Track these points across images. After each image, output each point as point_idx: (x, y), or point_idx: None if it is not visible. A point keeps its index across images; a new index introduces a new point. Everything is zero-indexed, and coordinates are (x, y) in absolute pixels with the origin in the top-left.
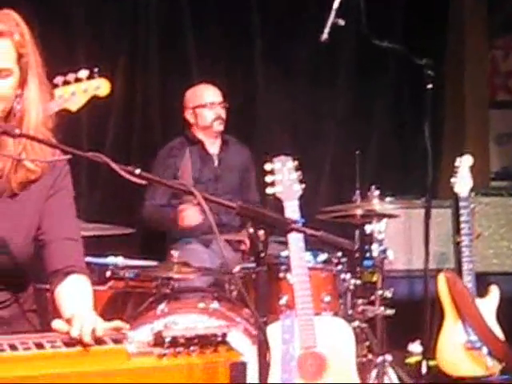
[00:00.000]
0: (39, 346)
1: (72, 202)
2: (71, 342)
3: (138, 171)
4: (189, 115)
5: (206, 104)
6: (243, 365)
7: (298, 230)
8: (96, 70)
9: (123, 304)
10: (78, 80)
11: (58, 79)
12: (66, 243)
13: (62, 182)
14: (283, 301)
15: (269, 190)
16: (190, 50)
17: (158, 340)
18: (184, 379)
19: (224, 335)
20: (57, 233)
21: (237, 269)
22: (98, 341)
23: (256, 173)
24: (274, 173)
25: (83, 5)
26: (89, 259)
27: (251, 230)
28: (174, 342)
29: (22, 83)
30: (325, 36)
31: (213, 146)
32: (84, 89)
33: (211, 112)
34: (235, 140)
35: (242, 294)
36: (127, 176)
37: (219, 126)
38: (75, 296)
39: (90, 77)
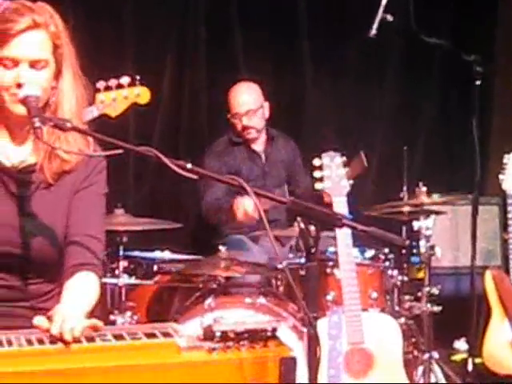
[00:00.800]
0: (90, 339)
1: (101, 199)
2: (121, 335)
3: (189, 165)
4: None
5: (233, 115)
6: (293, 360)
7: (349, 226)
8: (138, 77)
9: (169, 298)
10: (119, 86)
11: (100, 84)
12: (85, 239)
13: (95, 177)
14: (330, 296)
15: (317, 186)
16: (237, 47)
17: (208, 334)
18: (234, 374)
19: (274, 330)
20: (78, 228)
21: (284, 264)
22: (86, 337)
23: (302, 160)
24: (323, 168)
25: (132, 1)
26: (136, 253)
27: (302, 226)
28: (224, 337)
29: (57, 75)
30: (373, 31)
31: (258, 144)
32: (125, 95)
33: (238, 124)
34: (279, 133)
35: (292, 289)
36: (179, 170)
37: (248, 135)
38: (71, 293)
39: (131, 84)
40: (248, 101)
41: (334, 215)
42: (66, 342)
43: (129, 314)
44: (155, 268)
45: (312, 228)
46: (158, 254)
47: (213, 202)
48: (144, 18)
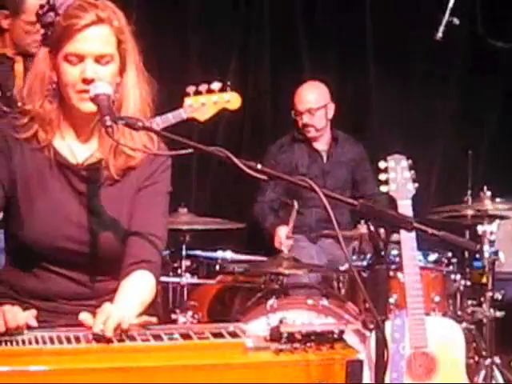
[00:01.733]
0: (157, 337)
1: (164, 198)
2: (188, 335)
3: (259, 166)
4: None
5: (294, 112)
6: (360, 362)
7: (419, 229)
8: (228, 83)
9: (231, 298)
10: (209, 91)
11: (190, 88)
12: (145, 238)
13: (159, 176)
14: (393, 300)
15: (382, 188)
16: (301, 46)
17: (275, 335)
18: (300, 375)
19: (341, 332)
20: (139, 226)
21: (345, 266)
22: (127, 336)
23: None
24: (388, 171)
25: (197, 2)
26: (198, 253)
27: (372, 228)
28: (291, 338)
29: (121, 71)
30: (439, 35)
31: (321, 143)
32: (214, 101)
33: (300, 121)
34: (346, 135)
35: (355, 291)
36: (249, 171)
37: (307, 133)
38: (123, 292)
39: (221, 89)
40: (310, 99)
41: (405, 218)
42: (108, 340)
43: (190, 313)
44: (217, 268)
45: (382, 231)
46: (220, 254)
47: (261, 212)
48: (208, 18)
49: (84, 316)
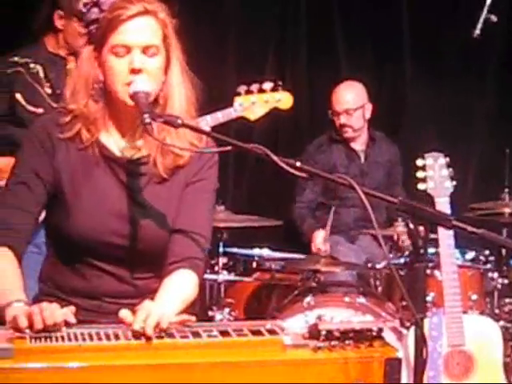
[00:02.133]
0: (196, 334)
1: (210, 195)
2: (227, 332)
3: (298, 164)
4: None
5: (332, 112)
6: (398, 361)
7: (459, 227)
8: (280, 82)
9: (267, 296)
10: (260, 91)
11: (242, 88)
12: (189, 236)
13: (207, 172)
14: (430, 298)
15: (420, 186)
16: (338, 45)
17: (314, 333)
18: (338, 373)
19: (380, 330)
20: (183, 223)
21: (382, 264)
22: (166, 334)
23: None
24: (426, 169)
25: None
26: (235, 250)
27: (411, 226)
28: (330, 336)
29: (166, 67)
30: (477, 32)
31: (359, 143)
32: (265, 100)
33: (337, 121)
34: (383, 135)
35: (392, 289)
36: (288, 169)
37: (345, 134)
38: (165, 290)
39: (273, 89)
40: (348, 100)
41: (444, 216)
42: (148, 338)
43: (227, 310)
44: (254, 265)
45: (421, 228)
46: (257, 251)
47: (299, 214)
48: (245, 17)
49: (124, 313)
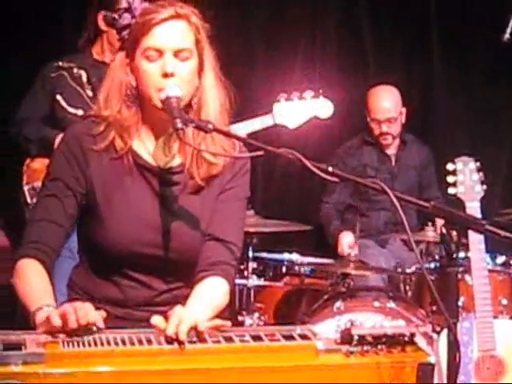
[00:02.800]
0: (228, 339)
1: (242, 204)
2: (259, 336)
3: (330, 168)
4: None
5: (371, 120)
6: (431, 365)
7: (491, 232)
8: (321, 90)
9: (297, 300)
10: (301, 98)
11: (282, 96)
12: (220, 244)
13: (239, 180)
14: (460, 302)
15: (450, 190)
16: (367, 48)
17: (346, 337)
18: (371, 378)
19: (413, 335)
20: (215, 231)
21: (412, 269)
22: (199, 338)
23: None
24: (456, 173)
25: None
26: (264, 255)
27: (444, 231)
28: (362, 340)
29: (200, 72)
30: (507, 36)
31: (390, 146)
32: (306, 108)
33: (377, 129)
34: (414, 138)
35: (422, 294)
36: (320, 173)
37: (384, 141)
38: (196, 297)
39: (314, 97)
40: (389, 108)
41: (477, 220)
42: (180, 343)
43: (257, 315)
44: (283, 270)
45: (454, 233)
46: (286, 256)
47: (326, 215)
48: (274, 15)
49: (156, 319)
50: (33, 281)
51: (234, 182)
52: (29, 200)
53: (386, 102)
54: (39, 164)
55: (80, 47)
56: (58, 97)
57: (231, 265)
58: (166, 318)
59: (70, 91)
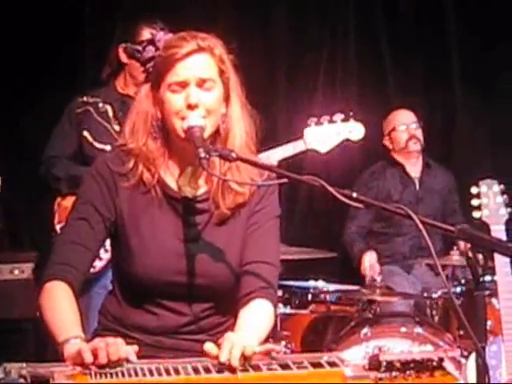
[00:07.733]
0: (256, 367)
1: (275, 222)
2: (287, 364)
3: (354, 194)
4: (386, 142)
5: (398, 126)
6: None
7: None
8: (351, 113)
9: (324, 328)
10: (331, 122)
11: (312, 120)
12: (259, 266)
13: (269, 199)
14: (487, 326)
15: (475, 214)
16: (387, 70)
17: (374, 364)
18: None
19: (441, 360)
20: (252, 255)
21: (438, 293)
22: (252, 366)
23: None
24: (480, 196)
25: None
26: (290, 283)
27: (470, 254)
28: (391, 367)
29: (226, 100)
30: None
31: (414, 169)
32: (336, 131)
33: (405, 133)
34: (438, 164)
35: (450, 318)
36: (344, 199)
37: (414, 146)
38: (243, 321)
39: (344, 120)
40: (412, 115)
41: (504, 244)
42: (233, 370)
43: (283, 343)
44: (309, 297)
45: (480, 256)
46: (312, 283)
47: (349, 241)
48: (296, 34)
49: (209, 346)
50: (62, 306)
51: (262, 204)
52: None
53: (405, 112)
54: (70, 202)
55: (103, 81)
56: (85, 133)
57: (272, 285)
58: (219, 345)
59: (97, 127)
